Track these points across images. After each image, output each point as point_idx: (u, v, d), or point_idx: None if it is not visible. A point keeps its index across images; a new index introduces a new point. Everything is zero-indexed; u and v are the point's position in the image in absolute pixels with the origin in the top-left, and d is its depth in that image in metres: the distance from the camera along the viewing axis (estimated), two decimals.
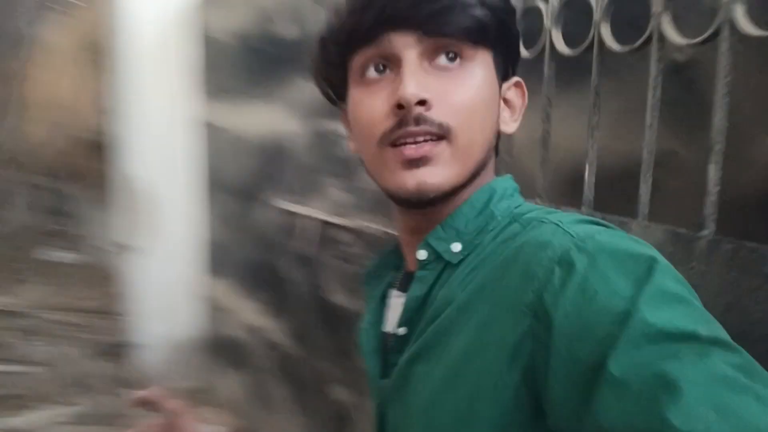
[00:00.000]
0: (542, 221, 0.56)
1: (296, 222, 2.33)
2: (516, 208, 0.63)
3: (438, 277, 0.62)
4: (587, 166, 1.08)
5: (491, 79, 0.62)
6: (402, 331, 0.64)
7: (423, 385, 0.59)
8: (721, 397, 0.41)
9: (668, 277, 0.48)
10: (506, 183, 0.65)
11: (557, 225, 0.54)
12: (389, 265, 0.75)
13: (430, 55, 0.59)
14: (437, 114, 0.58)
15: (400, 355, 0.64)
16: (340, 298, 2.21)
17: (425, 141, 0.58)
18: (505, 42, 0.63)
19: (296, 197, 2.33)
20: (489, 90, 0.62)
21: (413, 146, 0.58)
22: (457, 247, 0.61)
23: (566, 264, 0.50)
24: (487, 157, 0.64)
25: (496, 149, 0.68)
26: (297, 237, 2.34)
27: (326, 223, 2.21)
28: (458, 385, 0.56)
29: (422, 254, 0.63)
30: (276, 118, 2.37)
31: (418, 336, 0.61)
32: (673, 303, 0.46)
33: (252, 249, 2.57)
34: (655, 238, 0.94)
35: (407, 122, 0.58)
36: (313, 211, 2.25)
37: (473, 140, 0.60)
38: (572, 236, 0.52)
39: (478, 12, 0.59)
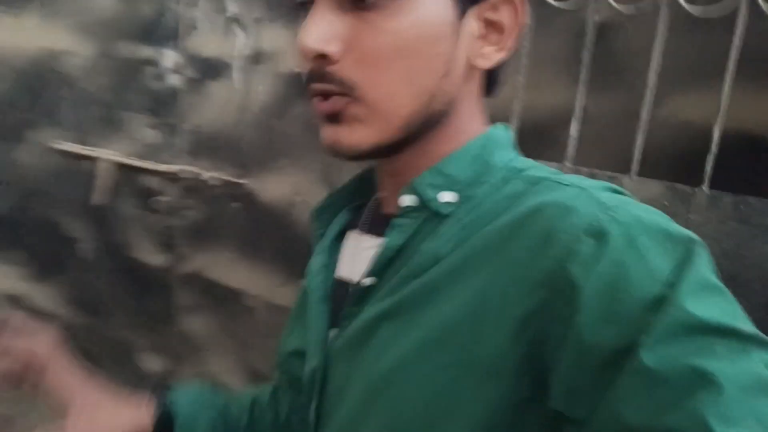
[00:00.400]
0: (560, 182, 0.50)
1: (82, 166, 1.91)
2: (511, 160, 0.56)
3: (420, 228, 0.54)
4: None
5: (438, 13, 0.51)
6: (369, 281, 0.55)
7: (388, 346, 0.52)
8: (757, 399, 0.39)
9: (705, 263, 0.44)
10: (503, 132, 0.58)
11: (583, 189, 0.48)
12: (347, 201, 0.67)
13: None
14: (347, 69, 0.50)
15: (356, 308, 0.56)
16: (147, 255, 1.89)
17: (335, 95, 0.51)
18: None
19: (81, 135, 1.91)
20: (429, 25, 0.51)
21: (323, 101, 0.52)
22: (447, 196, 0.54)
23: (598, 234, 0.45)
24: (439, 105, 0.54)
25: (489, 87, 0.59)
26: (82, 184, 1.93)
27: (126, 166, 1.85)
28: (439, 355, 0.49)
29: (406, 200, 0.55)
30: (51, 33, 1.89)
31: (391, 291, 0.53)
32: (713, 294, 0.43)
33: (11, 199, 2.06)
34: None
35: (311, 77, 0.51)
36: (105, 152, 1.87)
37: (394, 93, 0.51)
38: (604, 204, 0.46)
39: None
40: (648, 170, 1.08)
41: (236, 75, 1.64)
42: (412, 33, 0.50)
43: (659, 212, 0.48)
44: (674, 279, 0.42)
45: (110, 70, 1.84)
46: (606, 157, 1.09)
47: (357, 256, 0.61)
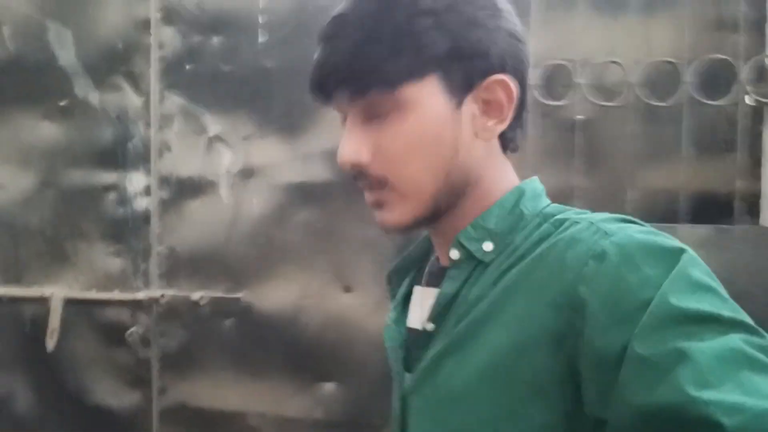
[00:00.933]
0: (576, 222, 0.60)
1: (15, 310, 1.70)
2: (545, 208, 0.66)
3: (469, 276, 0.64)
4: None
5: (436, 107, 0.62)
6: (430, 326, 0.65)
7: (454, 376, 0.61)
8: (735, 369, 0.45)
9: (695, 267, 0.52)
10: (534, 184, 0.68)
11: (591, 223, 0.58)
12: (415, 262, 0.77)
13: (369, 110, 0.62)
14: (375, 169, 0.63)
15: (424, 350, 0.65)
16: (113, 397, 1.70)
17: (373, 189, 0.64)
18: (453, 57, 0.62)
19: (16, 276, 1.71)
20: (432, 121, 0.62)
21: (367, 192, 0.66)
22: (488, 246, 0.64)
23: (599, 256, 0.54)
24: (458, 177, 0.64)
25: (508, 145, 0.69)
26: (15, 331, 1.70)
27: (78, 302, 1.69)
28: (495, 375, 0.58)
29: (455, 254, 0.65)
30: None
31: (448, 332, 0.63)
32: (698, 290, 0.50)
33: None
34: None
35: (354, 177, 0.65)
36: (54, 289, 1.69)
37: (416, 179, 0.63)
38: (605, 232, 0.56)
39: (382, 64, 0.60)
40: None
41: (224, 191, 1.65)
42: (418, 131, 0.62)
43: (655, 231, 0.57)
44: (662, 281, 0.50)
45: (55, 201, 1.71)
46: None
47: (422, 306, 0.69)
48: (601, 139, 1.41)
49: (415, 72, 0.61)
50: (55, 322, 1.67)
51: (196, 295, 1.65)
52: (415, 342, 0.68)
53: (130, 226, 1.69)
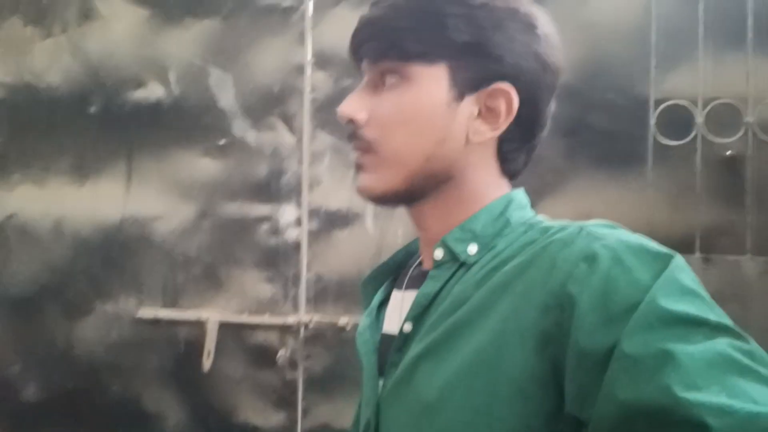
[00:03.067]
0: (565, 227, 0.61)
1: (171, 333, 1.83)
2: (530, 218, 0.68)
3: (451, 277, 0.65)
4: None
5: (437, 92, 0.65)
6: (407, 327, 0.66)
7: (430, 381, 0.61)
8: (722, 372, 0.45)
9: (684, 273, 0.53)
10: (521, 195, 0.70)
11: (581, 227, 0.59)
12: (391, 270, 0.78)
13: (381, 76, 0.67)
14: (369, 131, 0.67)
15: (400, 354, 0.65)
16: (259, 416, 1.80)
17: (359, 151, 0.68)
18: (469, 52, 0.64)
19: (172, 300, 1.85)
20: (428, 103, 0.65)
21: (356, 154, 0.69)
22: (473, 248, 0.65)
23: (590, 258, 0.54)
24: (439, 166, 0.66)
25: (504, 165, 0.70)
26: (170, 352, 1.83)
27: (230, 326, 1.81)
28: (476, 377, 0.58)
29: (439, 253, 0.66)
30: (138, 200, 1.87)
31: (426, 333, 0.63)
32: (686, 294, 0.51)
33: (81, 376, 1.87)
34: None
35: (349, 137, 0.69)
36: (210, 313, 1.82)
37: (399, 151, 0.66)
38: (596, 236, 0.57)
39: (403, 35, 0.64)
40: None
41: (369, 222, 1.76)
42: (411, 107, 0.65)
43: (642, 236, 0.58)
44: (651, 284, 0.51)
45: (212, 231, 1.85)
46: None
47: (401, 309, 0.70)
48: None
49: (428, 53, 0.64)
50: (210, 343, 1.79)
51: (342, 320, 1.75)
52: (391, 346, 0.67)
53: (281, 254, 1.81)
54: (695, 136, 1.44)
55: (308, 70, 1.81)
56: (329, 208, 1.79)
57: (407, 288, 0.72)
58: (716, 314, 0.50)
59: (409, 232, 1.73)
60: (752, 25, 1.46)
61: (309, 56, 1.81)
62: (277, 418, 1.80)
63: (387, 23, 0.66)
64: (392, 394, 0.65)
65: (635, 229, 0.59)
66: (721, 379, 0.45)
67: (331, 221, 1.79)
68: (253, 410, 1.82)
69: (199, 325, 1.82)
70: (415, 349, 0.63)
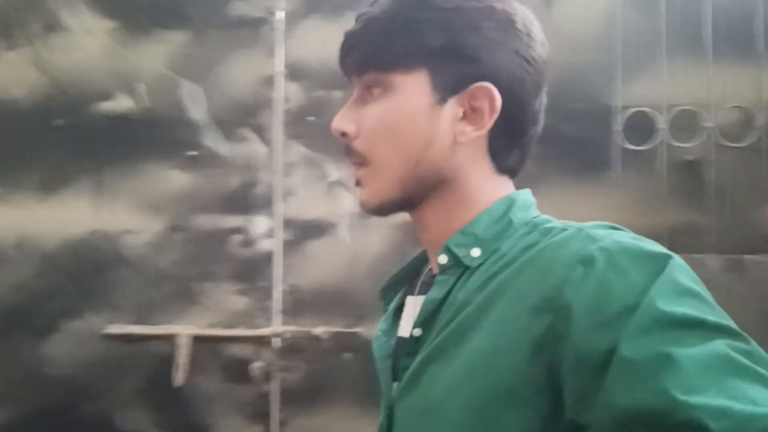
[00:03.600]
0: (564, 229, 0.61)
1: (141, 349, 1.80)
2: (534, 218, 0.67)
3: (456, 281, 0.65)
4: None
5: (418, 98, 0.66)
6: (417, 332, 0.66)
7: (435, 383, 0.61)
8: (721, 374, 0.45)
9: (682, 273, 0.52)
10: (525, 195, 0.70)
11: (579, 229, 0.59)
12: (408, 276, 0.79)
13: (368, 89, 0.68)
14: (359, 143, 0.68)
15: (412, 358, 0.66)
16: (233, 431, 1.77)
17: (355, 165, 0.70)
18: (446, 56, 0.65)
19: (145, 316, 1.81)
20: (410, 109, 0.66)
21: (354, 170, 0.70)
22: (476, 252, 0.65)
23: (586, 260, 0.54)
24: (428, 171, 0.67)
25: (498, 164, 0.70)
26: (140, 369, 1.79)
27: (202, 339, 1.79)
28: (474, 381, 0.58)
29: (443, 259, 0.67)
30: (106, 214, 1.84)
31: (433, 338, 0.64)
32: (684, 295, 0.51)
33: (51, 397, 1.81)
34: None
35: (344, 152, 0.70)
36: (182, 327, 1.79)
37: (386, 159, 0.67)
38: (593, 238, 0.56)
39: (380, 46, 0.66)
40: None
41: (345, 232, 1.76)
42: (394, 114, 0.66)
43: (642, 238, 0.57)
44: (649, 286, 0.50)
45: (183, 244, 1.83)
46: None
47: (412, 315, 0.70)
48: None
49: (406, 61, 0.65)
50: (183, 358, 1.76)
51: (318, 330, 1.74)
52: (404, 350, 0.68)
53: (254, 266, 1.80)
54: (659, 142, 1.50)
55: (280, 81, 1.82)
56: (304, 218, 1.79)
57: (419, 293, 0.72)
58: (715, 314, 0.50)
59: (385, 242, 1.74)
60: (711, 35, 1.53)
61: (281, 67, 1.82)
62: (251, 431, 1.78)
63: (365, 36, 0.67)
64: (402, 396, 0.66)
65: None
66: (720, 381, 0.45)
67: (306, 232, 1.79)
68: (228, 425, 1.79)
69: (172, 340, 1.79)
70: (423, 353, 0.64)
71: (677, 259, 0.53)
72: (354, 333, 1.73)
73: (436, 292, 0.66)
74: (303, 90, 1.81)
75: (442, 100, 0.66)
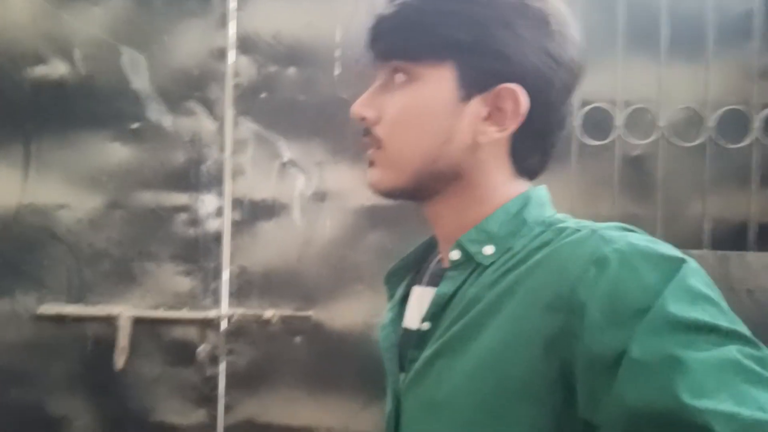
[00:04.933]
0: (577, 229, 0.60)
1: (76, 331, 1.71)
2: (548, 216, 0.67)
3: (467, 277, 0.65)
4: None
5: (443, 92, 0.65)
6: (426, 326, 0.66)
7: (444, 378, 0.62)
8: (730, 379, 0.46)
9: (696, 277, 0.53)
10: (540, 193, 0.69)
11: (593, 230, 0.59)
12: (414, 264, 0.78)
13: (391, 75, 0.67)
14: (379, 130, 0.67)
15: (419, 351, 0.66)
16: (178, 415, 1.73)
17: (370, 146, 0.70)
18: (475, 53, 0.64)
19: (82, 296, 1.72)
20: (433, 103, 0.65)
21: (369, 150, 0.70)
22: (489, 249, 0.65)
23: (599, 261, 0.54)
24: (445, 166, 0.66)
25: (519, 166, 0.69)
26: (76, 352, 1.71)
27: (144, 321, 1.72)
28: (485, 377, 0.59)
29: (455, 254, 0.66)
30: (40, 188, 1.72)
31: (443, 332, 0.64)
32: (697, 299, 0.51)
33: None
34: None
35: (362, 133, 0.70)
36: (123, 308, 1.71)
37: (402, 150, 0.67)
38: (607, 239, 0.56)
39: (410, 35, 0.64)
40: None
41: (297, 214, 1.72)
42: (416, 107, 0.66)
43: (655, 240, 0.57)
44: (661, 289, 0.51)
45: (123, 222, 1.73)
46: None
47: (420, 305, 0.70)
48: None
49: (435, 53, 0.64)
50: (124, 340, 1.69)
51: (267, 313, 1.71)
52: (410, 342, 0.68)
53: (200, 246, 1.73)
54: (616, 137, 1.54)
55: (231, 55, 1.73)
56: (253, 198, 1.74)
57: (427, 284, 0.72)
58: (728, 320, 0.50)
59: (337, 225, 1.72)
60: (666, 35, 1.57)
61: (232, 40, 1.73)
62: (196, 415, 1.74)
63: (396, 22, 0.65)
64: (409, 389, 0.67)
65: None
66: (729, 386, 0.45)
67: (256, 212, 1.74)
68: (171, 409, 1.74)
69: (110, 322, 1.71)
70: (431, 347, 0.64)
71: (692, 262, 0.54)
72: (306, 317, 1.71)
73: (445, 287, 0.65)
74: (255, 64, 1.73)
75: (467, 96, 0.65)
